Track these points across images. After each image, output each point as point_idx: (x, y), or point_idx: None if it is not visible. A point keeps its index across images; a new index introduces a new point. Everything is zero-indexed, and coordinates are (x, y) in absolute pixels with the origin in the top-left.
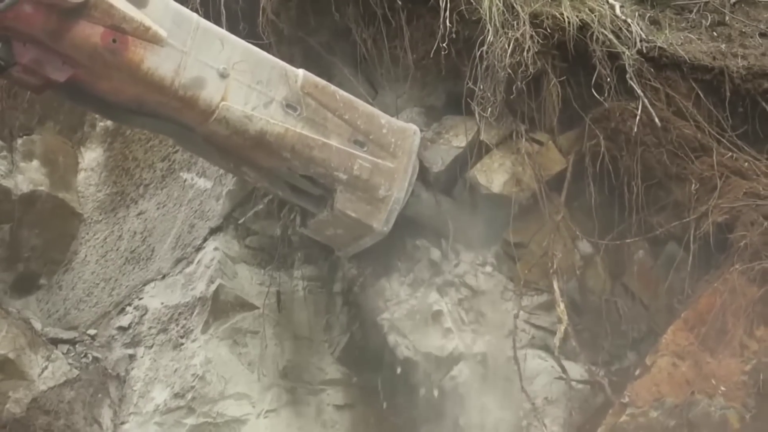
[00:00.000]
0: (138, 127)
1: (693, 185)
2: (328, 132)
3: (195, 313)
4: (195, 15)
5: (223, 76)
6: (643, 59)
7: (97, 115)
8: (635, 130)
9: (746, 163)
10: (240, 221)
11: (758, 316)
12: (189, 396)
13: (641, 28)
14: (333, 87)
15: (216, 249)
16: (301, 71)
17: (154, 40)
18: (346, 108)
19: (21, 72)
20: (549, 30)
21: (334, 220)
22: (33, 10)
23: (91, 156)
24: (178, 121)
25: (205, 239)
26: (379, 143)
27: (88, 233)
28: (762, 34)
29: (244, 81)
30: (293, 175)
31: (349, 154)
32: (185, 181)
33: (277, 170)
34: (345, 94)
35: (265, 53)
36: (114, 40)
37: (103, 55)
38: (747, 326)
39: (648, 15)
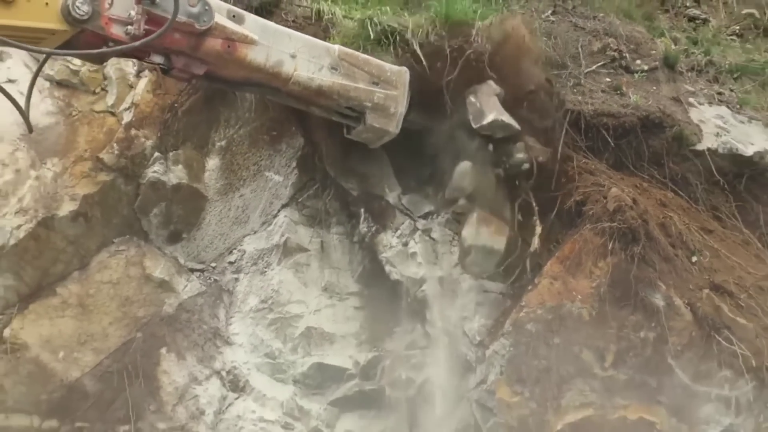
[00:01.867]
0: (248, 92)
1: (563, 178)
2: (357, 80)
3: (273, 254)
4: (272, 23)
5: (293, 56)
6: None
7: (213, 130)
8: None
9: (593, 166)
10: (299, 200)
11: (599, 255)
12: (269, 302)
13: None
14: (357, 53)
15: (285, 216)
16: (337, 46)
17: (251, 42)
18: (365, 64)
19: (177, 72)
20: None
21: (366, 129)
22: (180, 36)
23: (212, 162)
24: (271, 87)
25: (279, 210)
26: (387, 81)
27: (210, 207)
28: (602, 91)
29: (305, 57)
30: (340, 107)
31: (371, 91)
32: (267, 177)
33: (330, 105)
34: (364, 55)
35: (315, 39)
36: (228, 46)
37: (223, 56)
38: (594, 261)
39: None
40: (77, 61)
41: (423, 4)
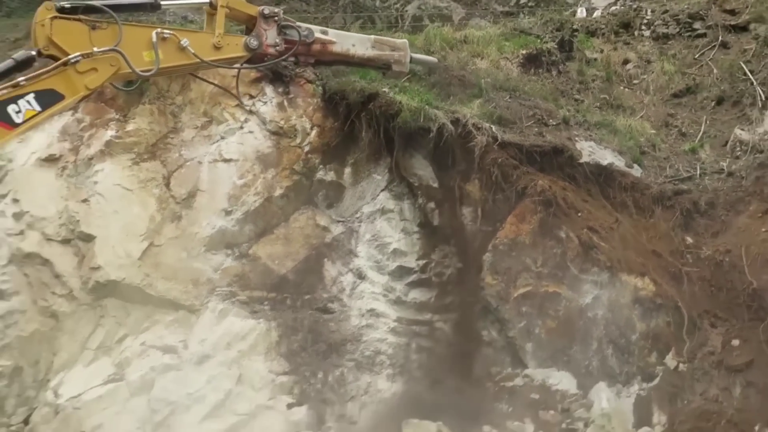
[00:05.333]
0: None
1: (516, 176)
2: (384, 50)
3: (377, 213)
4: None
5: (353, 45)
6: (501, 141)
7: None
8: (500, 160)
9: (529, 171)
10: (389, 187)
11: (533, 213)
12: (375, 236)
13: (501, 132)
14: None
15: (383, 195)
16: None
17: (332, 42)
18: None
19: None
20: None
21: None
22: (300, 47)
23: (347, 170)
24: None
25: (380, 192)
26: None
27: (346, 192)
28: (533, 134)
29: (358, 44)
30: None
31: (391, 54)
32: (374, 177)
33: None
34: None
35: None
36: (322, 46)
37: (321, 51)
38: (530, 215)
39: (502, 129)
40: (282, 122)
41: (450, 96)
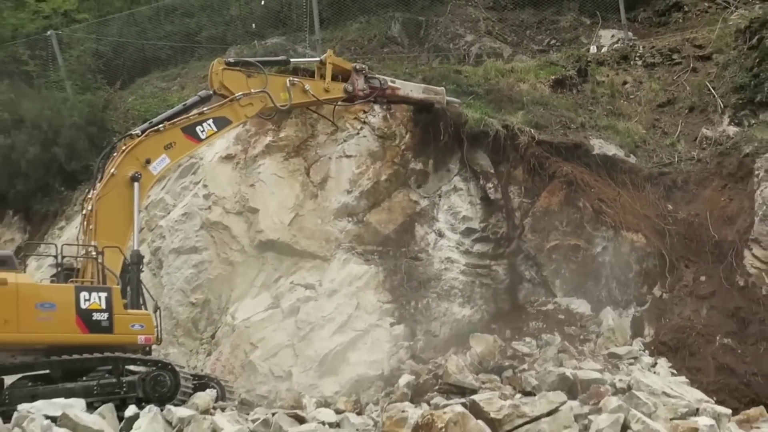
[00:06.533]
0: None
1: (548, 164)
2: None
3: (451, 191)
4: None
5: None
6: (538, 140)
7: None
8: (537, 153)
9: (558, 160)
10: (460, 172)
11: (560, 189)
12: (451, 206)
13: (538, 134)
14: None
15: (455, 178)
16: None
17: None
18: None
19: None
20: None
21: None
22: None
23: (431, 162)
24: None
25: (453, 176)
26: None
27: (430, 177)
28: (561, 134)
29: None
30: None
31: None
32: (449, 166)
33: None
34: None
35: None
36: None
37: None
38: (558, 191)
39: (538, 131)
40: (386, 129)
41: (501, 109)
